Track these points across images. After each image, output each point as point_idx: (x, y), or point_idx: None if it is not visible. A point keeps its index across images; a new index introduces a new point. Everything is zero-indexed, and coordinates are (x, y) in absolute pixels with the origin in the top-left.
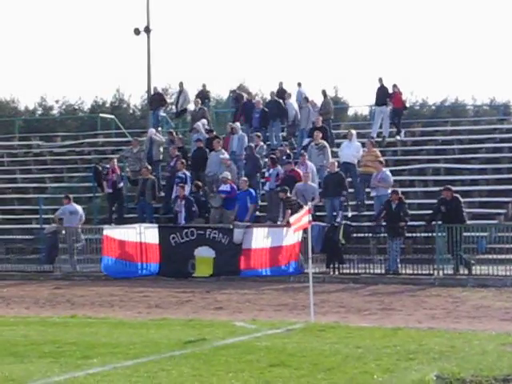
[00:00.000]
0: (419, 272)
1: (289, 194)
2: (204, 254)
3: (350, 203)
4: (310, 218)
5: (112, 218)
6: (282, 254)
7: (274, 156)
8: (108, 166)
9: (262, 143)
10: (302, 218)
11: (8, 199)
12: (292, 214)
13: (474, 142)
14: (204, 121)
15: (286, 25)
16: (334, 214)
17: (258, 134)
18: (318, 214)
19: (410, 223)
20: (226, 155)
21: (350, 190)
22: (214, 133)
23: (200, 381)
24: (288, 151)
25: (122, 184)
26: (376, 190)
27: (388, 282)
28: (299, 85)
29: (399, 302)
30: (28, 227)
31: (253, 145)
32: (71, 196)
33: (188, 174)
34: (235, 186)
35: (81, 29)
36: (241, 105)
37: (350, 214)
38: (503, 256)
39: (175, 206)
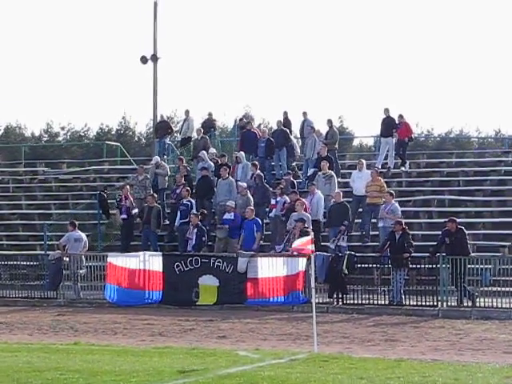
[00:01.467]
0: (423, 303)
1: (306, 225)
2: (208, 282)
3: (356, 233)
4: (313, 248)
5: (127, 245)
6: (287, 284)
7: (282, 186)
8: (121, 192)
9: (258, 171)
10: (304, 244)
11: (13, 225)
12: None
13: (478, 174)
14: (213, 150)
15: (292, 54)
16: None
17: (255, 162)
18: (322, 243)
19: (414, 254)
20: (244, 184)
21: (357, 221)
22: (226, 159)
23: None
24: (292, 179)
25: (136, 210)
26: (383, 221)
27: (392, 312)
28: (305, 114)
29: (403, 333)
30: (32, 253)
31: (262, 174)
32: (76, 223)
33: (193, 201)
34: (239, 215)
35: (87, 56)
36: (241, 133)
37: (344, 244)
38: (507, 289)
39: (188, 233)
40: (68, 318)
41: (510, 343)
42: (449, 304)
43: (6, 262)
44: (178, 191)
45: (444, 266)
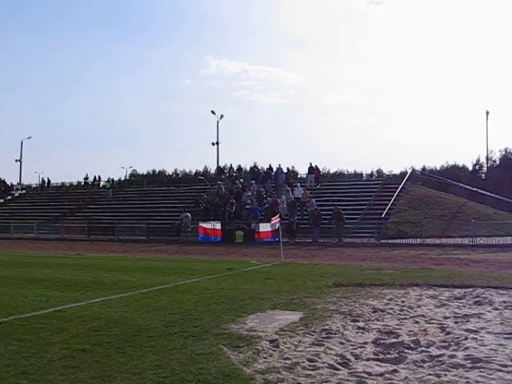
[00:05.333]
0: (326, 241)
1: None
2: (239, 233)
3: (299, 213)
4: (279, 219)
5: (206, 217)
6: (272, 234)
7: (268, 194)
8: (206, 197)
9: (257, 188)
10: (276, 218)
11: (161, 211)
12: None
13: (342, 189)
14: (242, 180)
15: (275, 140)
16: (291, 218)
17: (250, 185)
18: (286, 217)
19: (322, 221)
20: (253, 193)
21: (298, 208)
22: (245, 184)
23: (237, 284)
24: (273, 191)
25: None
26: (310, 208)
27: (313, 245)
28: (279, 165)
29: (318, 253)
30: (169, 221)
31: (262, 189)
32: (186, 209)
33: (234, 201)
34: (252, 205)
35: (202, 143)
36: (255, 173)
37: (296, 218)
38: (360, 235)
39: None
40: (182, 248)
41: (361, 256)
42: (335, 241)
43: (159, 225)
44: (226, 196)
45: (334, 226)
